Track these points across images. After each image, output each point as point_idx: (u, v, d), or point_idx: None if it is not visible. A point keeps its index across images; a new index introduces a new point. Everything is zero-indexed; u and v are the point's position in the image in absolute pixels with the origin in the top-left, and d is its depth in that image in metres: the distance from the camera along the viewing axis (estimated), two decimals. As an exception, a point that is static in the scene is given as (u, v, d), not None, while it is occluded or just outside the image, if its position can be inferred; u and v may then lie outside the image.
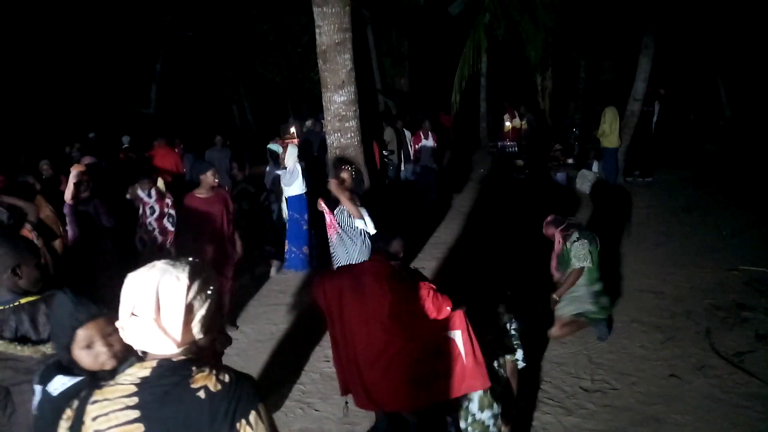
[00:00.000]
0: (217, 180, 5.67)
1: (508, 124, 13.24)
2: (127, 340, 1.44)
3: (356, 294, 3.11)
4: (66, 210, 6.46)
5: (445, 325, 3.08)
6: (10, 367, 2.12)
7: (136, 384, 1.38)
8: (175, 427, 1.35)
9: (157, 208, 6.74)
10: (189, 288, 1.42)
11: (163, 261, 1.47)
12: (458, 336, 3.04)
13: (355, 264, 3.54)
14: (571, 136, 13.87)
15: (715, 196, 9.33)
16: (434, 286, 3.22)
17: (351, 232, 5.30)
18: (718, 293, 5.76)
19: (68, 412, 1.45)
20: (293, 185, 7.17)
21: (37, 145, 13.97)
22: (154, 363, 1.41)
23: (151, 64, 20.53)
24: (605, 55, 14.83)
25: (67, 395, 1.56)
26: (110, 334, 1.79)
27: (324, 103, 8.00)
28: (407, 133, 10.60)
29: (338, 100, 7.89)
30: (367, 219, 5.31)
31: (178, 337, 1.40)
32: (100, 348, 1.78)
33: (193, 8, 19.50)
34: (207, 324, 1.46)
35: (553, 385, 4.36)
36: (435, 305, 3.10)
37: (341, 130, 7.98)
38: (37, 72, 17.64)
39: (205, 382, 1.38)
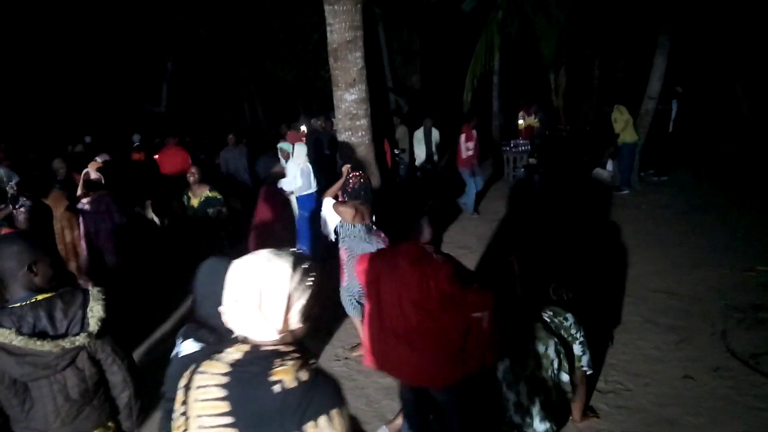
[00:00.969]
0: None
1: (521, 122, 13.15)
2: (228, 324, 1.51)
3: (391, 274, 3.24)
4: (79, 206, 6.51)
5: (477, 306, 3.16)
6: (29, 363, 2.15)
7: (230, 364, 1.46)
8: (251, 414, 1.40)
9: None
10: (291, 278, 1.48)
11: (267, 250, 1.52)
12: (485, 316, 3.15)
13: (394, 246, 3.60)
14: (585, 135, 13.76)
15: (731, 196, 9.21)
16: (462, 271, 3.29)
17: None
18: (734, 294, 5.68)
19: (186, 375, 1.56)
20: (302, 184, 7.15)
21: (47, 142, 14.06)
22: (247, 348, 1.48)
23: (162, 63, 20.62)
24: (620, 53, 14.68)
25: (189, 360, 1.69)
26: None
27: (335, 102, 8.01)
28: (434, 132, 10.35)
29: (349, 99, 7.89)
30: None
31: (279, 325, 1.47)
32: None
33: (205, 7, 19.55)
34: (306, 314, 1.52)
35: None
36: (459, 288, 3.15)
37: (352, 128, 7.98)
38: (48, 70, 17.80)
39: (282, 376, 1.40)
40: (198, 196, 6.38)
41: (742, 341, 4.77)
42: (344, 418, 1.43)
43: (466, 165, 9.18)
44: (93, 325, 2.25)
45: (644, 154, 10.57)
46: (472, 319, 3.16)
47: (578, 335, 3.69)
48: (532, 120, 12.76)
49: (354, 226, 4.94)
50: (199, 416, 1.47)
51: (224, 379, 1.44)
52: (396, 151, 10.14)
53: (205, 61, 21.57)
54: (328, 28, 7.81)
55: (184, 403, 1.52)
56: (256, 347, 1.47)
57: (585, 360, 3.65)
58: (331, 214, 5.52)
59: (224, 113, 23.52)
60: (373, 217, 5.37)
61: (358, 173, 5.23)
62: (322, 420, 1.38)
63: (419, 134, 10.28)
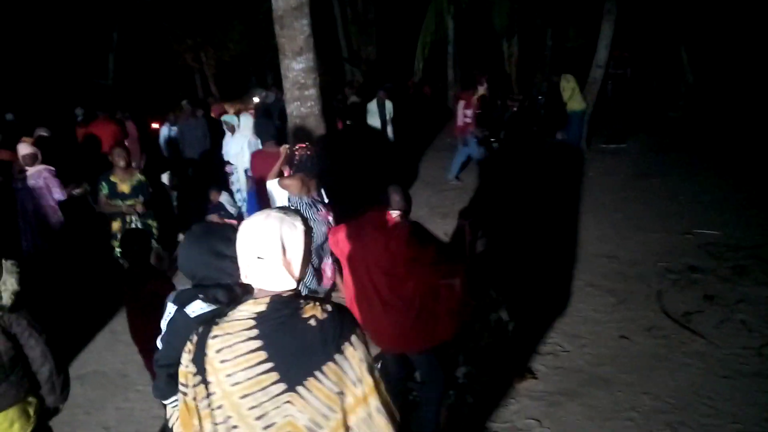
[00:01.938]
0: None
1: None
2: (246, 280, 1.65)
3: (360, 243, 3.27)
4: (15, 184, 6.27)
5: (447, 273, 3.20)
6: None
7: (253, 318, 1.57)
8: (293, 352, 1.55)
9: None
10: (304, 231, 1.66)
11: (275, 210, 1.68)
12: (457, 284, 3.20)
13: (362, 216, 3.59)
14: (537, 104, 13.90)
15: (675, 163, 9.45)
16: (428, 238, 3.34)
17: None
18: (671, 256, 5.87)
19: (188, 346, 1.62)
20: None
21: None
22: (267, 299, 1.60)
23: (107, 33, 19.88)
24: (570, 22, 14.81)
25: (201, 320, 1.70)
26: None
27: (282, 71, 7.83)
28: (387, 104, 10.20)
29: (296, 68, 7.72)
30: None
31: (298, 274, 1.65)
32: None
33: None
34: (308, 261, 1.70)
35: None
36: (419, 247, 3.17)
37: (300, 98, 7.83)
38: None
39: (313, 312, 1.60)
40: (127, 181, 5.64)
41: (676, 301, 4.95)
42: (363, 334, 1.67)
43: (462, 133, 9.20)
44: (6, 298, 2.19)
45: (597, 122, 10.75)
46: (441, 285, 3.20)
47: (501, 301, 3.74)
48: (484, 90, 12.77)
49: (301, 198, 4.91)
50: (230, 375, 1.54)
51: (254, 332, 1.55)
52: (348, 123, 10.05)
53: (153, 30, 20.87)
54: (274, -5, 7.60)
55: (200, 371, 1.58)
56: (277, 296, 1.61)
57: (510, 326, 3.69)
58: (278, 194, 5.45)
59: (175, 85, 22.88)
60: (322, 191, 5.34)
61: (304, 145, 5.16)
62: (354, 338, 1.61)
63: (372, 106, 10.19)
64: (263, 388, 1.53)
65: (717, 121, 11.58)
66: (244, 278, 1.65)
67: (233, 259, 1.73)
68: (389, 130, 10.28)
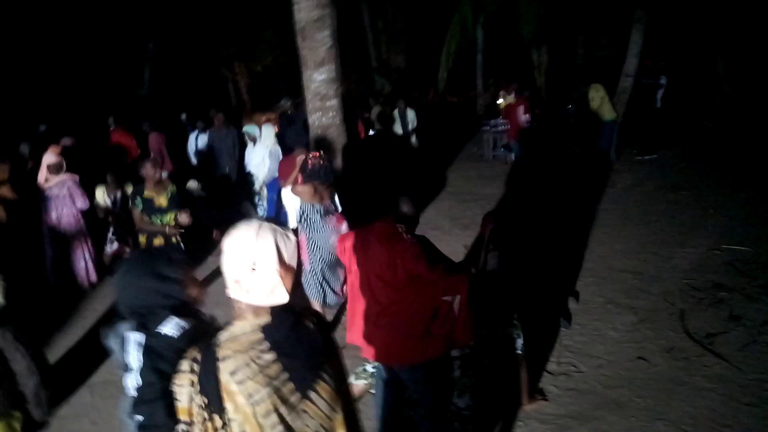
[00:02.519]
0: None
1: (501, 101, 13.02)
2: (236, 295, 1.57)
3: (363, 252, 3.25)
4: (40, 194, 6.41)
5: (449, 289, 3.13)
6: None
7: (260, 330, 1.54)
8: (303, 358, 1.58)
9: (124, 216, 6.43)
10: (296, 244, 1.64)
11: (263, 221, 1.62)
12: (457, 300, 3.13)
13: (369, 225, 3.57)
14: (568, 112, 13.68)
15: (706, 175, 9.15)
16: (434, 253, 3.23)
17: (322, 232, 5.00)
18: (697, 273, 5.65)
19: (184, 379, 1.51)
20: (271, 167, 7.06)
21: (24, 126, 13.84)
22: (266, 311, 1.57)
23: (143, 44, 20.32)
24: (601, 30, 14.54)
25: (187, 336, 1.72)
26: (193, 279, 2.05)
27: (304, 82, 7.87)
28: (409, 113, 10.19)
29: (318, 79, 7.75)
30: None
31: (290, 284, 1.60)
32: (191, 287, 2.02)
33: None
34: (298, 276, 1.68)
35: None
36: (427, 265, 3.09)
37: (322, 109, 7.85)
38: (27, 53, 17.50)
39: (307, 316, 1.69)
40: (162, 194, 5.29)
41: (699, 321, 4.75)
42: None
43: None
44: None
45: (630, 132, 10.49)
46: (441, 302, 3.13)
47: (513, 318, 3.63)
48: (512, 99, 12.61)
49: (313, 206, 4.92)
50: (250, 395, 1.47)
51: (266, 344, 1.53)
52: (371, 132, 10.04)
53: (188, 41, 21.26)
54: (295, 7, 7.65)
55: (213, 401, 1.48)
56: (276, 307, 1.57)
57: (519, 344, 3.60)
58: (290, 202, 5.45)
59: (209, 94, 23.26)
60: (336, 198, 5.33)
61: (317, 153, 5.17)
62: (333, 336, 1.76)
63: (393, 115, 10.18)
64: (284, 401, 1.51)
65: (752, 132, 11.18)
66: (232, 293, 1.57)
67: (177, 281, 1.71)
68: (412, 139, 10.24)
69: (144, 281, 1.96)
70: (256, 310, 1.57)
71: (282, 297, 1.57)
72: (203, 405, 1.48)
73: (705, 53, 13.47)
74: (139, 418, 1.72)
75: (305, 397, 1.56)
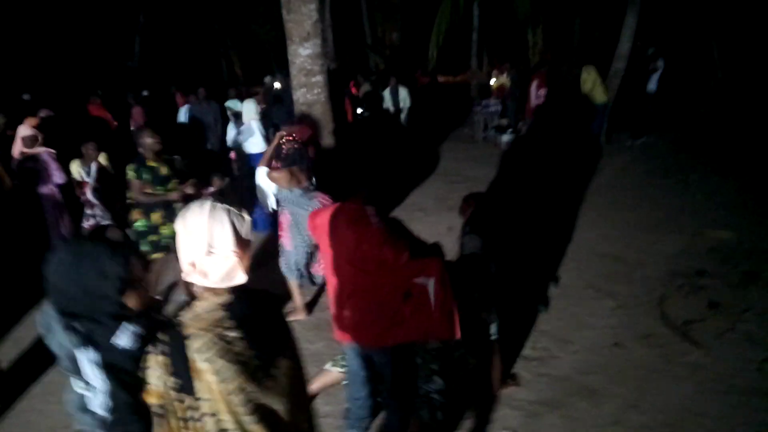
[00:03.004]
0: None
1: (493, 81, 12.87)
2: (192, 279, 1.54)
3: (332, 233, 3.15)
4: (14, 165, 6.26)
5: (420, 271, 3.05)
6: None
7: (223, 310, 1.52)
8: (266, 330, 1.60)
9: (99, 188, 6.25)
10: (249, 223, 1.62)
11: (210, 202, 1.57)
12: (431, 284, 3.04)
13: (339, 205, 3.47)
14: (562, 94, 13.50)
15: (697, 160, 9.06)
16: (402, 236, 3.18)
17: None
18: (679, 259, 5.59)
19: (157, 359, 1.48)
20: (253, 142, 6.92)
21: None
22: (225, 291, 1.55)
23: (134, 16, 19.97)
24: (597, 11, 14.31)
25: (144, 338, 1.59)
26: (141, 272, 1.81)
27: (289, 57, 7.70)
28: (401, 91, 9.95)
29: (303, 54, 7.58)
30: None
31: (247, 266, 1.59)
32: (141, 290, 1.78)
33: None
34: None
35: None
36: (393, 251, 3.03)
37: (307, 85, 7.69)
38: (14, 23, 17.16)
39: (263, 295, 1.69)
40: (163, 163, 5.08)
41: (678, 308, 4.69)
42: None
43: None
44: None
45: (621, 116, 10.36)
46: (413, 285, 3.04)
47: (488, 304, 3.56)
48: (504, 79, 12.46)
49: (291, 191, 4.79)
50: (218, 371, 1.46)
51: (231, 322, 1.51)
52: (359, 110, 9.87)
53: (179, 14, 20.93)
54: (281, -21, 7.45)
55: (183, 382, 1.47)
56: (234, 287, 1.56)
57: (494, 329, 3.53)
58: (266, 183, 5.32)
59: (201, 68, 22.94)
60: (313, 179, 5.20)
61: (290, 137, 5.03)
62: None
63: (386, 94, 10.00)
64: (252, 378, 1.51)
65: (744, 119, 11.08)
66: (187, 276, 1.54)
67: (118, 279, 1.61)
68: (403, 118, 10.08)
69: (76, 278, 1.68)
70: (216, 290, 1.55)
71: (240, 278, 1.56)
72: (175, 386, 1.46)
73: (701, 38, 13.28)
74: None
75: (270, 374, 1.56)
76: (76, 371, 1.76)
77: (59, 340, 1.81)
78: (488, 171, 9.36)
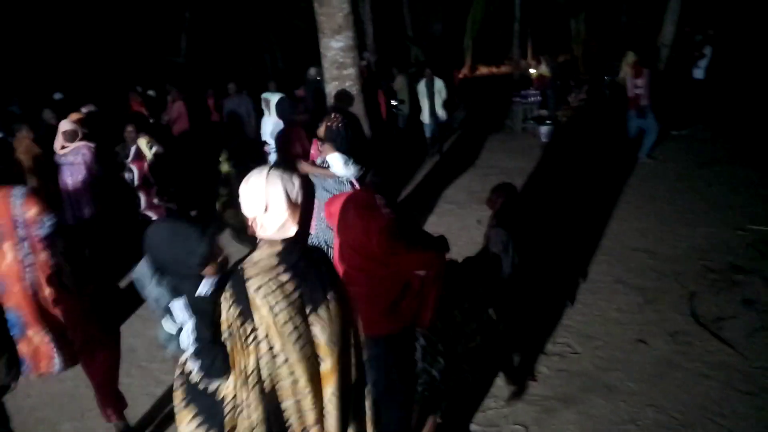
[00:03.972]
0: None
1: (533, 71, 12.63)
2: (253, 231, 1.94)
3: (342, 218, 3.22)
4: (55, 159, 6.51)
5: (421, 265, 3.07)
6: None
7: (276, 257, 1.90)
8: (312, 279, 1.95)
9: (135, 170, 6.51)
10: (302, 186, 1.96)
11: (272, 169, 1.92)
12: (430, 276, 3.07)
13: (351, 194, 3.52)
14: (604, 84, 13.17)
15: (741, 151, 8.65)
16: (409, 228, 3.19)
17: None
18: (715, 254, 5.39)
19: (225, 295, 1.86)
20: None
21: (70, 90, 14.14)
22: (278, 243, 1.92)
23: (180, 13, 20.41)
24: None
25: (218, 287, 1.93)
26: (219, 247, 2.16)
27: (321, 50, 7.76)
28: (437, 83, 9.72)
29: (335, 46, 7.62)
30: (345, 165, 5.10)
31: (296, 221, 1.94)
32: (217, 259, 2.11)
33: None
34: (308, 214, 2.08)
35: (511, 346, 4.17)
36: (395, 244, 3.02)
37: (339, 78, 7.74)
38: (65, 19, 17.79)
39: (313, 250, 2.12)
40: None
41: (710, 304, 4.54)
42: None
43: (631, 105, 8.62)
44: None
45: (665, 105, 9.99)
46: (413, 276, 3.05)
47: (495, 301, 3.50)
48: (544, 69, 12.21)
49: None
50: (272, 306, 1.83)
51: (282, 267, 1.88)
52: (393, 103, 9.83)
53: (224, 9, 21.28)
54: (312, -29, 7.51)
55: (243, 312, 1.83)
56: (286, 239, 1.92)
57: (502, 327, 3.46)
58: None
59: (245, 63, 23.29)
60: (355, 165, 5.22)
61: (335, 115, 5.09)
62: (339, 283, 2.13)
63: (421, 86, 9.90)
64: (298, 312, 1.87)
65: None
66: (250, 230, 1.94)
67: (201, 257, 1.97)
68: (439, 110, 9.95)
69: (169, 250, 2.08)
70: (271, 242, 1.92)
71: (290, 231, 1.93)
72: (237, 314, 1.83)
73: (752, 24, 12.69)
74: (201, 364, 1.93)
75: (315, 311, 1.92)
76: (170, 315, 2.27)
77: (154, 293, 2.35)
78: (525, 163, 9.21)
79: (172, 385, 3.46)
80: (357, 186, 4.93)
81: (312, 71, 10.59)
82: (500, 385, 3.76)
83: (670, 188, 7.34)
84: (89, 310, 3.03)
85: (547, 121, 10.85)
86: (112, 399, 3.27)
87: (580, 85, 12.67)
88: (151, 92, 12.13)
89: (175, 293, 2.17)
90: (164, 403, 3.95)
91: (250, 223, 1.93)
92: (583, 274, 5.20)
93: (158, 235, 2.12)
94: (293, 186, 1.92)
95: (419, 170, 9.39)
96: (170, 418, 3.79)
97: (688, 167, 8.13)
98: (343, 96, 7.14)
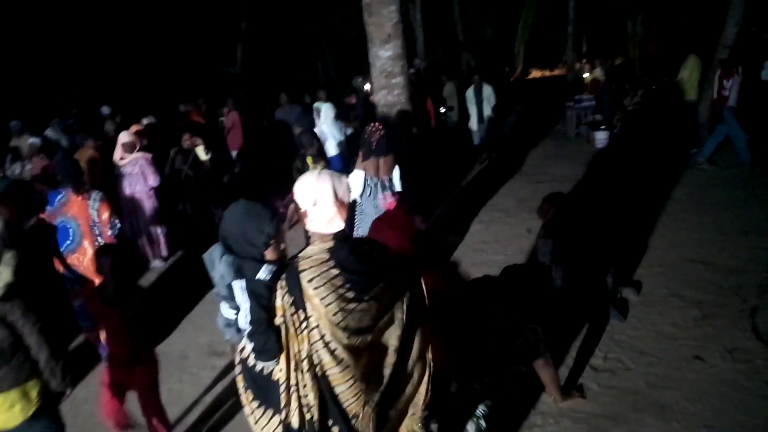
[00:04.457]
0: None
1: (587, 75, 12.35)
2: (306, 225, 2.10)
3: (376, 234, 3.33)
4: (116, 171, 6.76)
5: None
6: None
7: (327, 252, 2.05)
8: (360, 272, 2.06)
9: (192, 176, 6.74)
10: (348, 185, 2.14)
11: (322, 170, 2.16)
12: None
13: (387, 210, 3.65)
14: (661, 86, 12.75)
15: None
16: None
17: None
18: (780, 266, 5.12)
19: (281, 284, 2.03)
20: (329, 145, 7.10)
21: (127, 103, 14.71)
22: (329, 239, 2.07)
23: (236, 24, 20.94)
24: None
25: (276, 275, 2.07)
26: (282, 234, 2.40)
27: (370, 59, 7.82)
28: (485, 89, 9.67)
29: (384, 56, 7.66)
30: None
31: (344, 217, 2.08)
32: (279, 246, 2.36)
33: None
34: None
35: (560, 362, 4.08)
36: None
37: (388, 87, 7.77)
38: (126, 33, 18.52)
39: (365, 243, 2.21)
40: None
41: (773, 321, 4.30)
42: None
43: (716, 107, 8.29)
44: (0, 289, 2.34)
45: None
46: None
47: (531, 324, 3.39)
48: (598, 73, 11.92)
49: (371, 177, 5.13)
50: (323, 298, 1.98)
51: (331, 262, 2.02)
52: (442, 110, 9.79)
53: (278, 20, 21.71)
54: (361, -18, 7.58)
55: (296, 301, 2.00)
56: (337, 234, 2.08)
57: (541, 348, 3.34)
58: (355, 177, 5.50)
59: (299, 72, 23.70)
60: (396, 176, 5.28)
61: (376, 124, 5.24)
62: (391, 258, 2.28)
63: (469, 93, 9.84)
64: (347, 302, 2.01)
65: None
66: (304, 225, 2.11)
67: (269, 236, 2.22)
68: (487, 116, 9.86)
69: (241, 226, 2.34)
70: (323, 238, 2.08)
71: (338, 225, 2.08)
72: (291, 303, 2.00)
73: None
74: (254, 345, 2.08)
75: (363, 301, 2.05)
76: (230, 296, 2.53)
77: (220, 271, 2.71)
78: (577, 170, 9.02)
79: (221, 394, 3.74)
80: (392, 198, 5.02)
81: (358, 80, 10.68)
82: (547, 401, 3.68)
83: (730, 196, 7.01)
84: (132, 326, 3.13)
85: (602, 127, 10.59)
86: (157, 411, 3.38)
87: (635, 88, 12.30)
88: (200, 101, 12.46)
89: (238, 274, 2.40)
90: (214, 409, 4.04)
91: (302, 219, 2.11)
92: (636, 286, 5.02)
93: (234, 212, 2.39)
94: (341, 185, 2.09)
95: (467, 177, 9.32)
96: (221, 424, 3.89)
97: (751, 174, 7.76)
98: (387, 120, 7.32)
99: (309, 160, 6.25)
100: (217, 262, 2.77)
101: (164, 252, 6.89)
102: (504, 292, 3.43)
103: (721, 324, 4.36)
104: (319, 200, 2.04)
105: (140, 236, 6.71)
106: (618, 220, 6.62)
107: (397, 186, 5.31)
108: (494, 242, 6.55)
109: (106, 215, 4.82)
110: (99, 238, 4.78)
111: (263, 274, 2.11)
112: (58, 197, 4.81)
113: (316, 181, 2.06)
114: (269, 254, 2.30)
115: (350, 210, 2.11)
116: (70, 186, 4.81)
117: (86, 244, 4.74)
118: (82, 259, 4.72)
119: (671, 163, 8.59)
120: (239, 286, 2.40)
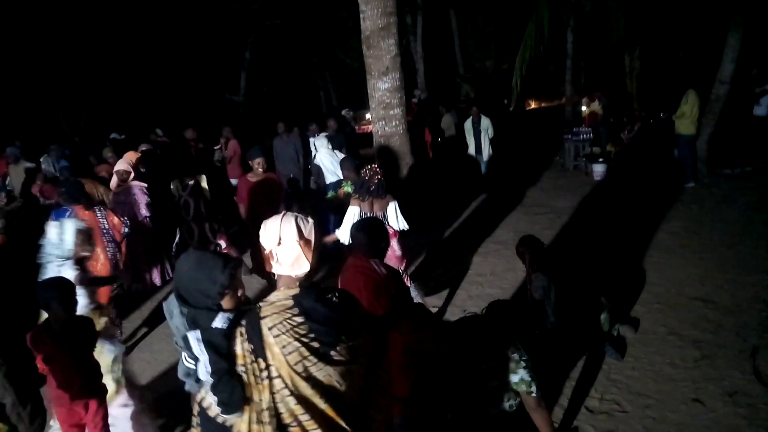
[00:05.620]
0: (261, 168, 6.30)
1: (584, 108, 12.41)
2: (270, 267, 2.05)
3: (348, 285, 3.27)
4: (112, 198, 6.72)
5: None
6: None
7: (291, 299, 1.95)
8: (326, 321, 1.94)
9: (191, 203, 6.66)
10: (313, 225, 2.09)
11: (287, 212, 2.10)
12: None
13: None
14: (659, 121, 12.81)
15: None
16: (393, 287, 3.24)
17: None
18: (781, 305, 5.04)
19: (240, 330, 1.94)
20: (326, 175, 7.08)
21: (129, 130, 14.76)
22: (296, 285, 2.00)
23: (240, 53, 21.16)
24: (697, 32, 13.45)
25: (233, 323, 2.01)
26: (239, 281, 2.29)
27: (369, 91, 7.88)
28: (483, 121, 9.74)
29: (382, 87, 7.73)
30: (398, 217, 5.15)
31: (310, 258, 2.04)
32: (236, 294, 2.24)
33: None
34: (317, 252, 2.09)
35: (554, 402, 3.98)
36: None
37: (386, 118, 7.82)
38: (130, 60, 18.72)
39: (331, 292, 2.04)
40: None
41: (774, 362, 4.21)
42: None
43: None
44: None
45: (722, 143, 9.61)
46: None
47: (523, 358, 3.26)
48: (596, 106, 11.98)
49: (365, 214, 5.04)
50: (284, 346, 1.87)
51: (296, 309, 1.92)
52: (439, 140, 9.81)
53: (282, 49, 21.96)
54: (361, 15, 7.71)
55: (257, 349, 1.90)
56: (303, 281, 2.02)
57: (534, 388, 3.22)
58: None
59: (302, 100, 23.90)
60: (395, 212, 5.20)
61: (374, 167, 5.21)
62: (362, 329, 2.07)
63: (467, 124, 9.88)
64: (310, 353, 1.89)
65: None
66: (268, 267, 2.05)
67: (222, 285, 2.10)
68: (486, 148, 9.90)
69: (193, 277, 2.21)
70: (288, 283, 2.01)
71: (304, 267, 2.02)
72: (251, 351, 1.90)
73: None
74: (219, 398, 1.97)
75: (327, 353, 1.92)
76: (187, 347, 2.39)
77: (176, 323, 2.67)
78: (575, 202, 9.00)
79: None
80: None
81: (345, 111, 10.77)
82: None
83: (729, 232, 6.96)
84: (80, 360, 3.01)
85: (600, 159, 10.60)
86: None
87: (633, 122, 12.35)
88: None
89: (193, 325, 2.25)
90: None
91: (266, 261, 2.04)
92: (633, 324, 4.94)
93: (186, 263, 2.27)
94: (306, 223, 2.07)
95: (466, 208, 9.29)
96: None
97: (747, 209, 7.71)
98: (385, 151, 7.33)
99: (347, 184, 6.27)
100: (175, 311, 2.76)
101: (157, 281, 6.81)
102: (490, 338, 3.30)
103: (721, 365, 4.27)
104: (283, 239, 2.01)
105: (138, 262, 6.64)
106: (615, 254, 6.56)
107: (395, 223, 5.19)
108: (490, 275, 6.48)
109: (116, 220, 5.43)
110: (110, 244, 5.27)
111: (219, 322, 2.05)
112: (67, 213, 5.03)
113: (281, 221, 2.05)
114: (226, 303, 2.20)
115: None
116: (81, 205, 5.23)
117: (98, 250, 5.00)
118: (95, 265, 4.99)
119: (669, 196, 8.55)
120: (194, 338, 2.24)
